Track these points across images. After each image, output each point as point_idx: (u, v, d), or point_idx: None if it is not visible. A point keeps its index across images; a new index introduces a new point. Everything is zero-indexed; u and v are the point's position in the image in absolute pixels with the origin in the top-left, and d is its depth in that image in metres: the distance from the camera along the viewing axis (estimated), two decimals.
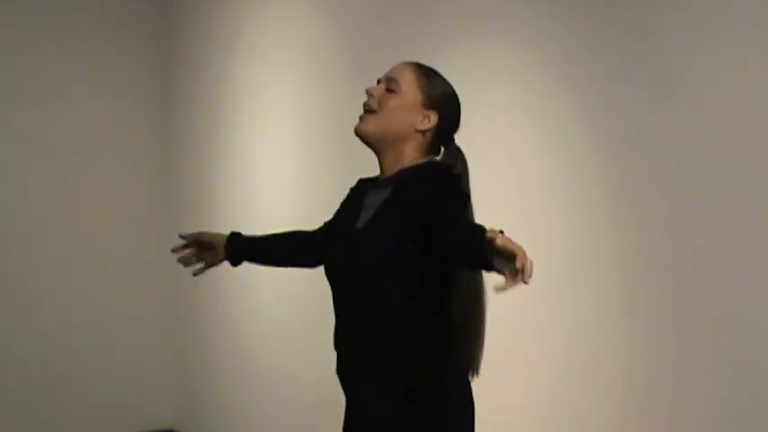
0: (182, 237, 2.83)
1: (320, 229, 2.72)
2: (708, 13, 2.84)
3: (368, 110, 2.43)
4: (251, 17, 5.19)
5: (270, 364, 5.06)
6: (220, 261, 2.80)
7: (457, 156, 2.46)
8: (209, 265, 2.82)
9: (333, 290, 2.46)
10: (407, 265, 2.29)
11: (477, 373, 2.45)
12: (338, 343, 2.43)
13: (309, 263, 2.76)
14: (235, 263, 2.79)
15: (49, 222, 5.72)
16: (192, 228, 5.75)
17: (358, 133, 2.44)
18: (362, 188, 2.53)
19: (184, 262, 2.84)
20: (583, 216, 3.25)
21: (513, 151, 3.49)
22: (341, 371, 2.43)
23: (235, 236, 2.78)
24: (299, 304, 4.78)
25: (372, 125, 2.41)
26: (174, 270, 6.01)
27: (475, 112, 3.62)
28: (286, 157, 4.89)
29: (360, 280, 2.34)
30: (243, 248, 2.77)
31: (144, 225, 5.97)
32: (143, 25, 6.02)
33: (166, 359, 6.04)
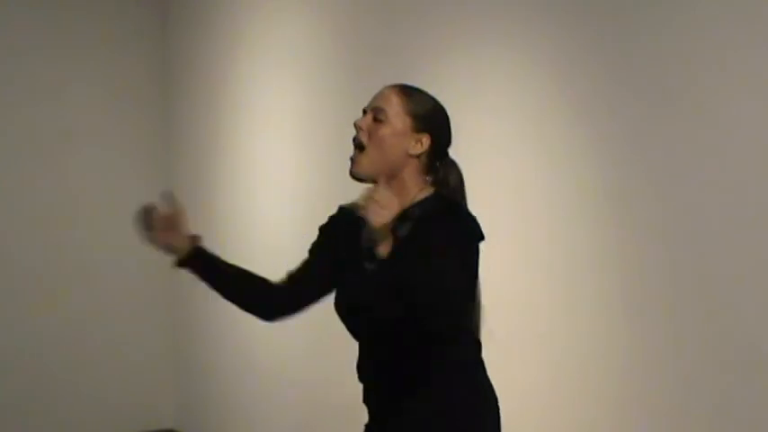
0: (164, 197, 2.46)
1: (307, 266, 2.53)
2: (706, 15, 2.84)
3: (358, 145, 2.37)
4: (251, 17, 5.19)
5: (270, 364, 5.06)
6: (169, 248, 2.47)
7: (452, 169, 2.42)
8: (163, 245, 2.47)
9: (348, 326, 2.41)
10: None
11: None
12: (362, 375, 2.41)
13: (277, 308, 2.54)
14: (181, 263, 2.49)
15: (49, 222, 5.71)
16: (193, 228, 5.75)
17: (354, 177, 2.37)
18: (352, 218, 2.43)
19: (149, 222, 2.46)
20: (582, 217, 3.25)
21: (512, 153, 3.49)
22: (367, 401, 2.41)
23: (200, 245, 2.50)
24: None
25: (366, 163, 2.35)
26: (174, 270, 6.00)
27: (473, 115, 3.62)
28: (286, 157, 4.89)
29: (383, 318, 2.31)
30: (205, 255, 2.51)
31: None
32: (143, 25, 6.02)
33: (166, 359, 6.04)
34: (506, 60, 3.52)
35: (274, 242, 4.96)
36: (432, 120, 2.38)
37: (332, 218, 2.55)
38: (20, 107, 5.65)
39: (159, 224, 2.45)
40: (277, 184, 4.93)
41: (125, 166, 5.93)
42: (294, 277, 2.52)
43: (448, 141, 2.43)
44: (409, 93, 2.39)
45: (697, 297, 2.89)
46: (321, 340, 4.48)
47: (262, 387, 5.14)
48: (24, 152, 5.65)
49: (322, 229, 2.55)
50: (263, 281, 2.52)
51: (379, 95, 2.40)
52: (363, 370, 2.41)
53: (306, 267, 2.53)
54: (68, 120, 5.77)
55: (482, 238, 2.32)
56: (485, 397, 2.38)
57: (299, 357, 4.80)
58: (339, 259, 2.46)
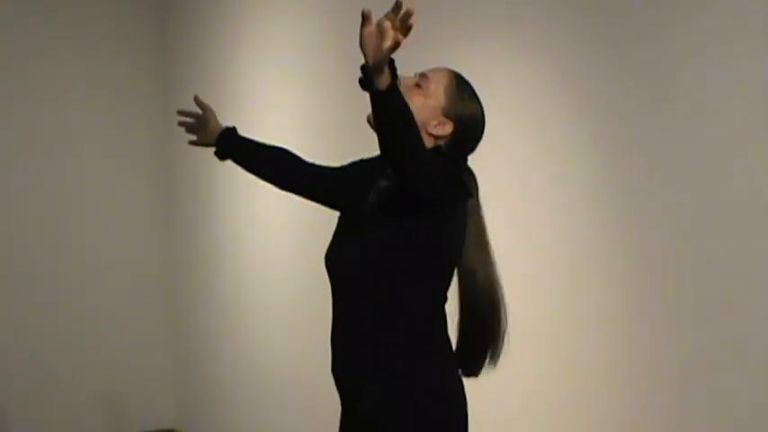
0: (180, 113, 2.80)
1: (339, 173, 2.64)
2: (707, 16, 2.84)
3: None
4: (251, 17, 5.19)
5: (270, 364, 5.06)
6: (208, 144, 2.76)
7: (467, 176, 2.41)
8: (199, 142, 2.79)
9: (330, 280, 2.43)
10: (405, 260, 2.28)
11: (495, 364, 2.44)
12: (334, 340, 2.42)
13: (322, 197, 2.65)
14: (222, 155, 2.74)
15: (49, 223, 5.71)
16: (192, 231, 5.76)
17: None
18: (373, 168, 2.48)
19: (183, 125, 2.80)
20: (584, 216, 3.25)
21: (514, 152, 3.48)
22: (335, 370, 2.42)
23: (230, 129, 2.75)
24: (299, 305, 4.77)
25: None
26: (175, 270, 6.01)
27: None
28: None
29: (357, 274, 2.32)
30: (236, 141, 2.73)
31: (144, 225, 5.96)
32: (143, 25, 6.02)
33: (166, 359, 6.04)
34: (509, 61, 3.52)
35: (274, 242, 4.96)
36: (464, 114, 2.38)
37: (356, 162, 2.60)
38: (20, 107, 5.64)
39: (190, 124, 2.76)
40: None
41: (125, 166, 5.93)
42: (320, 168, 2.67)
43: (471, 145, 2.43)
44: (460, 82, 2.41)
45: (700, 296, 2.89)
46: (320, 341, 4.48)
47: (262, 387, 5.14)
48: (24, 152, 5.65)
49: (350, 164, 2.61)
50: (293, 158, 2.71)
51: (435, 68, 2.43)
52: (334, 333, 2.41)
53: (331, 169, 2.65)
54: (68, 120, 5.77)
55: (467, 193, 2.33)
56: (447, 370, 2.36)
57: (298, 357, 4.79)
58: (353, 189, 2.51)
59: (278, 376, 4.99)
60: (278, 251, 4.92)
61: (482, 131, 2.43)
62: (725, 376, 2.82)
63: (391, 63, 2.11)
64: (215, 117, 2.78)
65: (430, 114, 2.36)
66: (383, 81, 2.09)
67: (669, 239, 2.97)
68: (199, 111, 2.79)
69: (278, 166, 2.73)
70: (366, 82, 2.10)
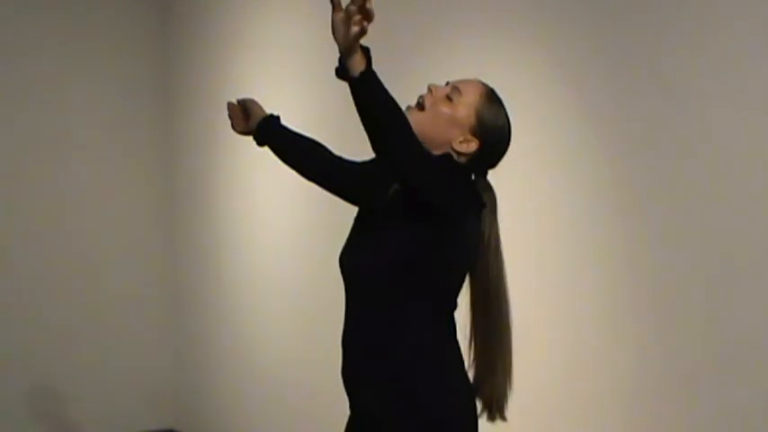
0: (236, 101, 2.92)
1: (363, 168, 2.66)
2: (713, 13, 2.84)
3: (418, 104, 2.37)
4: (251, 17, 5.19)
5: (270, 365, 5.06)
6: (247, 132, 2.87)
7: (486, 191, 2.40)
8: (239, 130, 2.91)
9: (344, 280, 2.43)
10: (416, 263, 2.28)
11: (503, 416, 2.45)
12: (345, 340, 2.41)
13: (345, 193, 2.67)
14: (259, 142, 2.82)
15: (49, 223, 5.71)
16: (192, 231, 5.75)
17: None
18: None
19: (229, 109, 2.93)
20: (585, 216, 3.25)
21: (517, 149, 3.48)
22: (345, 369, 2.42)
23: (273, 117, 2.81)
24: (299, 306, 4.77)
25: (414, 120, 2.31)
26: (174, 270, 6.01)
27: None
28: None
29: (367, 275, 2.32)
30: (274, 130, 2.80)
31: (144, 225, 5.96)
32: (143, 25, 6.02)
33: (167, 359, 6.03)
34: (511, 58, 3.52)
35: (274, 242, 4.95)
36: (492, 133, 2.37)
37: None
38: (20, 107, 5.64)
39: (234, 113, 2.88)
40: (277, 184, 4.93)
41: (125, 167, 5.93)
42: (344, 161, 2.72)
43: (493, 162, 2.42)
44: (491, 99, 2.38)
45: (703, 295, 2.89)
46: (321, 342, 4.48)
47: (261, 387, 5.14)
48: (24, 152, 5.65)
49: (372, 160, 2.60)
50: (322, 150, 2.78)
51: (468, 81, 2.40)
52: (345, 333, 2.41)
53: (356, 164, 2.68)
54: (69, 119, 5.77)
55: (479, 202, 2.33)
56: (456, 375, 2.36)
57: (298, 359, 4.79)
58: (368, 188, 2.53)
59: (278, 376, 4.99)
60: (278, 251, 4.91)
61: (506, 148, 2.42)
62: (730, 377, 2.81)
63: (367, 52, 2.09)
64: (259, 106, 2.87)
65: (457, 131, 2.35)
66: (357, 66, 2.08)
67: (672, 239, 2.97)
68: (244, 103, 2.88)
69: (306, 157, 2.78)
70: (341, 71, 2.09)
